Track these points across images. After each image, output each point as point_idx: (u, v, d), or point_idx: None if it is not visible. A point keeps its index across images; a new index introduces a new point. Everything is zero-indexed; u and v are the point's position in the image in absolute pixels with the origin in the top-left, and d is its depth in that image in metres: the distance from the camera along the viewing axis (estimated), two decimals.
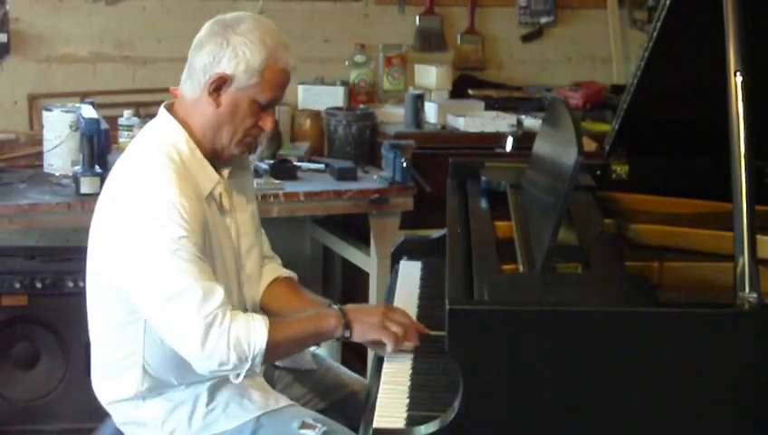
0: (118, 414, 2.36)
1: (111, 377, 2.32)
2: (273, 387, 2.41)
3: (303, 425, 2.26)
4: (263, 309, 2.48)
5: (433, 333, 2.25)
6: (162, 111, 2.30)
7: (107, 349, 2.31)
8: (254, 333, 2.13)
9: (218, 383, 2.29)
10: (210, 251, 2.23)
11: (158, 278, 2.12)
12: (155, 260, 2.12)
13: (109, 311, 2.27)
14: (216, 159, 2.29)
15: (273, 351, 2.16)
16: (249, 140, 2.29)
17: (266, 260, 2.54)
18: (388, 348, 2.21)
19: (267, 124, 2.27)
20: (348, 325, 2.22)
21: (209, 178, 2.26)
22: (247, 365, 2.14)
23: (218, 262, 2.27)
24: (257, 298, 2.46)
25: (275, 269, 2.54)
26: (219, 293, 2.13)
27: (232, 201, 2.35)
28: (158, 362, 2.25)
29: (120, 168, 2.28)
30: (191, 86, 2.26)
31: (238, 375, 2.16)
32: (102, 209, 2.26)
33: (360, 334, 2.23)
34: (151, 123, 2.32)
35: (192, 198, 2.17)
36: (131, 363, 2.27)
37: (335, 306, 2.28)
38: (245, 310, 2.35)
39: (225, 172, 2.32)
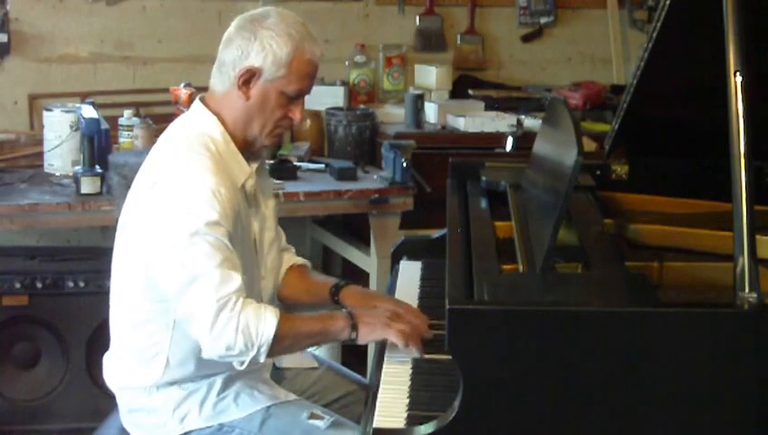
0: (128, 400, 2.38)
1: (131, 364, 2.34)
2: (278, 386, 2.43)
3: (312, 416, 2.30)
4: (279, 297, 2.55)
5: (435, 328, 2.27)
6: (197, 103, 2.35)
7: (132, 337, 2.33)
8: (264, 321, 2.16)
9: (232, 376, 2.32)
10: (238, 241, 2.26)
11: (182, 260, 2.16)
12: (183, 243, 2.16)
13: (139, 298, 2.29)
14: (248, 150, 2.34)
15: (279, 342, 2.19)
16: (279, 131, 2.35)
17: (283, 251, 2.60)
18: (399, 345, 2.22)
19: (296, 115, 2.32)
20: (354, 327, 2.25)
21: (242, 169, 2.31)
22: (252, 353, 2.16)
23: (242, 254, 2.29)
24: (273, 292, 2.50)
25: (290, 258, 2.61)
26: (236, 279, 2.16)
27: (257, 196, 2.38)
28: (183, 355, 2.28)
29: (157, 157, 2.31)
30: (221, 80, 2.30)
31: (242, 362, 2.19)
32: (138, 198, 2.29)
33: (365, 336, 2.26)
34: (185, 115, 2.37)
35: (228, 187, 2.22)
36: (155, 353, 2.30)
37: (344, 310, 2.32)
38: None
39: (254, 166, 2.36)
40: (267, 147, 2.39)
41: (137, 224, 2.27)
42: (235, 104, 2.29)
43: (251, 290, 2.35)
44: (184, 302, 2.17)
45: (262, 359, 2.19)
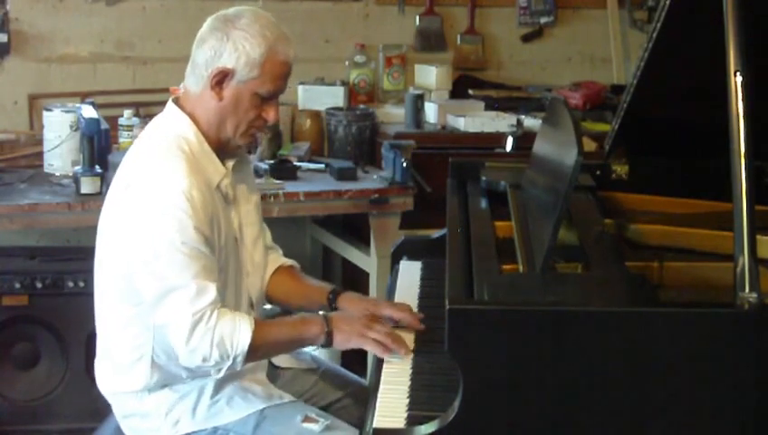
0: (121, 406, 2.38)
1: (119, 369, 2.34)
2: (274, 385, 2.43)
3: (306, 419, 2.30)
4: (268, 298, 2.54)
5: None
6: (170, 104, 2.34)
7: (115, 341, 2.33)
8: (239, 333, 2.17)
9: (224, 377, 2.30)
10: (216, 242, 2.26)
11: (158, 269, 2.16)
12: (159, 251, 2.16)
13: (119, 301, 2.29)
14: (223, 151, 2.33)
15: (254, 352, 2.20)
16: (253, 132, 2.33)
17: (268, 251, 2.58)
18: (377, 354, 2.23)
19: (270, 115, 2.31)
20: (329, 334, 2.26)
21: (217, 170, 2.30)
22: (228, 363, 2.18)
23: (222, 253, 2.29)
24: (263, 288, 2.50)
25: (277, 259, 2.60)
26: (211, 291, 2.17)
27: (235, 193, 2.38)
28: (166, 357, 2.27)
29: (132, 159, 2.31)
30: (195, 81, 2.29)
31: (219, 371, 2.20)
32: (114, 199, 2.29)
33: (340, 343, 2.27)
34: (159, 116, 2.36)
35: (202, 190, 2.21)
36: (140, 356, 2.29)
37: (321, 313, 2.32)
38: (249, 300, 2.41)
39: (230, 164, 2.35)
40: (242, 147, 2.37)
41: (113, 227, 2.27)
42: (208, 105, 2.28)
43: (235, 289, 2.35)
44: (160, 311, 2.17)
45: (238, 367, 2.21)
